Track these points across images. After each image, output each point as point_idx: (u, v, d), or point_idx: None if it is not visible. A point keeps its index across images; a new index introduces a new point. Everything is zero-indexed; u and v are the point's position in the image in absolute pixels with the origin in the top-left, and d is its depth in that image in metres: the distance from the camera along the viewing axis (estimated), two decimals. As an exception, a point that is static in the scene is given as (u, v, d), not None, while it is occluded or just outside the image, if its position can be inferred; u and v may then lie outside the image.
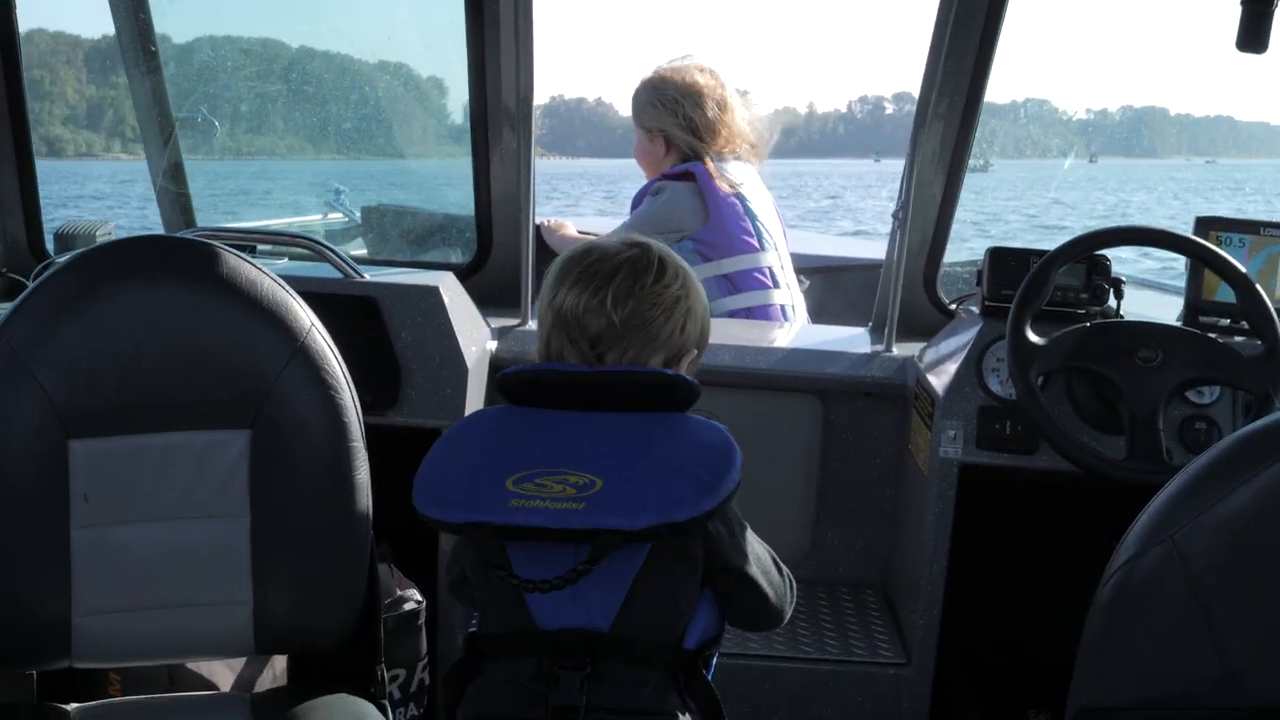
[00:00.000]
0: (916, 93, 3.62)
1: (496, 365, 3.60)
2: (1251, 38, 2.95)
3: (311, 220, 5.91)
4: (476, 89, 3.72)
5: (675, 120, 4.09)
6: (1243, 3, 2.92)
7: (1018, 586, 3.87)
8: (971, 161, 3.83)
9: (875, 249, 5.85)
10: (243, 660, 2.97)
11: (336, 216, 5.81)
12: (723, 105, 4.09)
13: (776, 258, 4.16)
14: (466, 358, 3.33)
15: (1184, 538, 1.50)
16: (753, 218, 4.10)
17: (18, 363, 2.25)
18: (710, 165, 4.05)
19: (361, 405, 2.47)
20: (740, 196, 4.07)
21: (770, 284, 4.11)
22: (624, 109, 3.29)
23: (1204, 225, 3.38)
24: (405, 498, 3.00)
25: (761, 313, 4.12)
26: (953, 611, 3.38)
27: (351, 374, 2.45)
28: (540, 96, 3.56)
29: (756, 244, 4.09)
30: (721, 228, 4.03)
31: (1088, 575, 3.46)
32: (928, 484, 3.34)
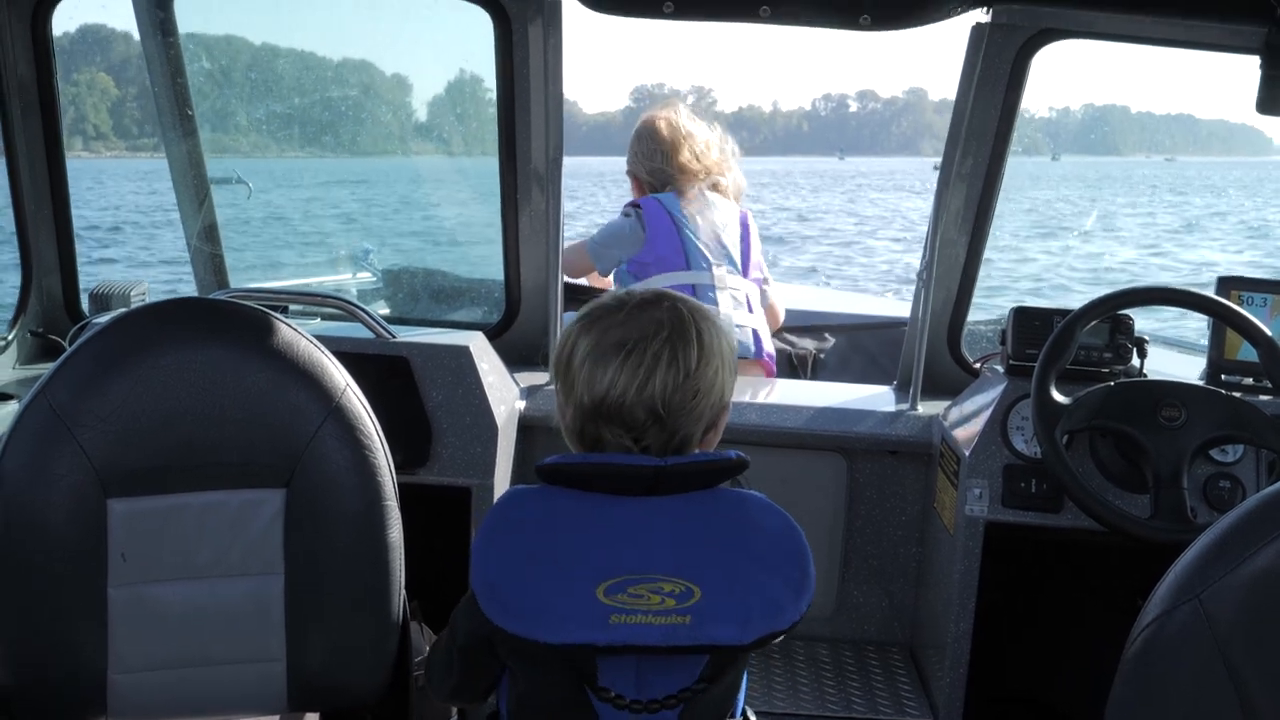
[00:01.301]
0: (880, 90, 3.66)
1: (525, 424, 3.64)
2: (1269, 102, 2.99)
3: (341, 279, 5.96)
4: (506, 151, 3.78)
5: (639, 162, 4.55)
6: (1262, 68, 2.97)
7: (1043, 644, 3.87)
8: (937, 160, 3.87)
9: (896, 307, 5.88)
10: (275, 718, 3.00)
11: (365, 276, 5.85)
12: (674, 148, 4.48)
13: (710, 277, 4.33)
14: (496, 417, 3.37)
15: (1210, 597, 1.51)
16: (687, 240, 4.33)
17: (59, 423, 2.29)
18: (663, 198, 4.43)
19: (393, 464, 2.50)
20: (679, 222, 4.35)
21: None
22: (587, 107, 3.48)
23: (1226, 285, 3.41)
24: (435, 555, 3.04)
25: None
26: (979, 669, 3.39)
27: (383, 433, 2.48)
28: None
29: (685, 263, 4.31)
30: (652, 250, 4.34)
31: (1113, 633, 3.45)
32: (953, 542, 3.35)
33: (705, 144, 4.53)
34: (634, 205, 4.47)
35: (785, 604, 1.91)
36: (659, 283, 4.24)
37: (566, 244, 4.07)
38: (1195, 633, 1.50)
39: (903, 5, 3.21)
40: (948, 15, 3.29)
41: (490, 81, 3.76)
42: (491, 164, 3.88)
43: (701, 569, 1.90)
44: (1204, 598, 1.52)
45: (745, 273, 4.44)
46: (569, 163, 3.70)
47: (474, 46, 3.77)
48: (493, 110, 3.78)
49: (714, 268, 4.33)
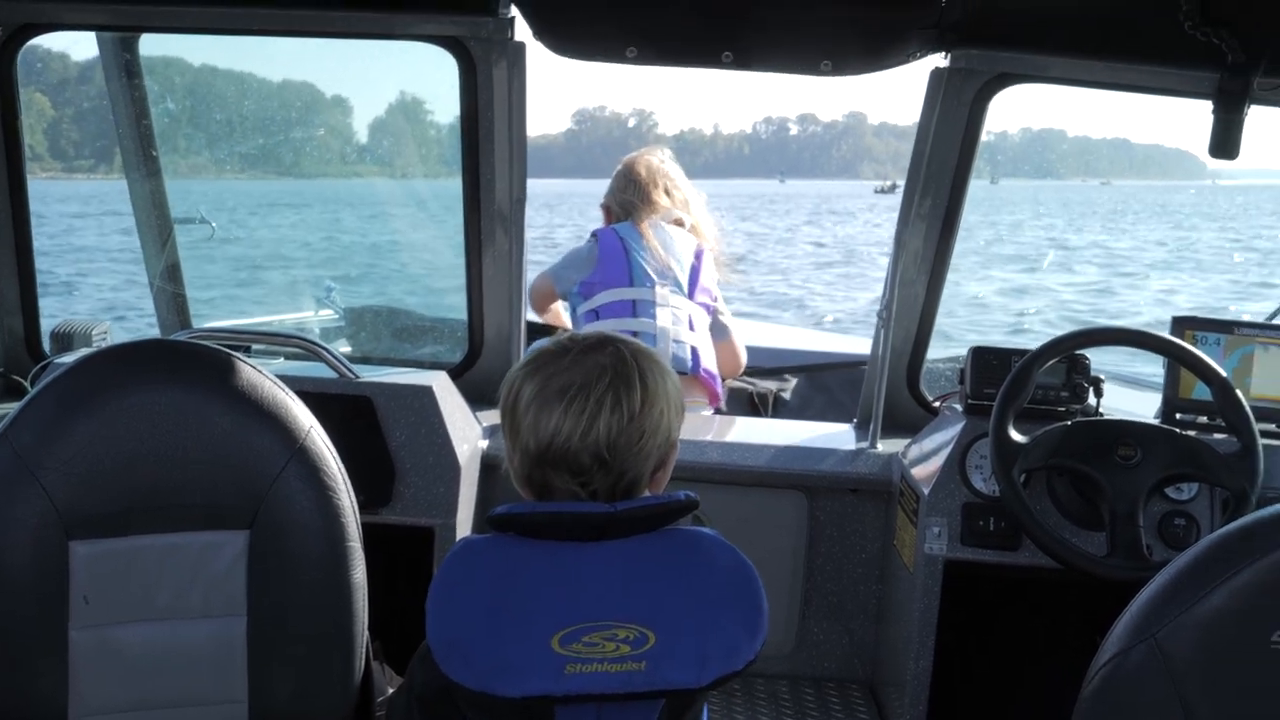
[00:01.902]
0: (820, 114, 3.74)
1: (487, 463, 3.65)
2: (1222, 146, 3.05)
3: (303, 317, 5.96)
4: (470, 192, 3.80)
5: (613, 195, 4.80)
6: (1214, 113, 3.03)
7: (1002, 681, 3.89)
8: (880, 183, 3.94)
9: (857, 345, 5.92)
10: (236, 760, 2.98)
11: (327, 313, 5.85)
12: (649, 184, 4.73)
13: (652, 294, 4.47)
14: (459, 456, 3.38)
15: (1166, 636, 1.53)
16: (634, 261, 4.52)
17: (21, 465, 2.28)
18: (619, 227, 4.67)
19: (356, 504, 2.50)
20: (628, 245, 4.56)
21: (629, 313, 4.46)
22: (529, 130, 3.61)
23: (1180, 325, 3.46)
24: (397, 595, 3.04)
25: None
26: (937, 706, 3.41)
27: (346, 472, 2.49)
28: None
29: (627, 280, 4.49)
30: (600, 271, 4.55)
31: (1070, 669, 3.49)
32: (913, 579, 3.37)
33: (677, 186, 4.79)
34: (593, 234, 4.68)
35: (740, 644, 1.92)
36: (603, 299, 4.48)
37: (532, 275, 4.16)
38: (1151, 671, 1.53)
39: (863, 52, 3.26)
40: (907, 60, 3.35)
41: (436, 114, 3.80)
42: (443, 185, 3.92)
43: (655, 613, 1.91)
44: (1160, 637, 1.54)
45: (691, 295, 4.55)
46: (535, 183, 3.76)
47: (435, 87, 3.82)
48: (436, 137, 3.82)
49: (657, 286, 4.48)
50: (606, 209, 4.86)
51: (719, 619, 1.93)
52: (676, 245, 4.60)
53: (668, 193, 4.73)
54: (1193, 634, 1.53)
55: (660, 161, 4.78)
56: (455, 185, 3.85)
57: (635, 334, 4.36)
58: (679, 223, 4.71)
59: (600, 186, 5.00)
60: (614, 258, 4.53)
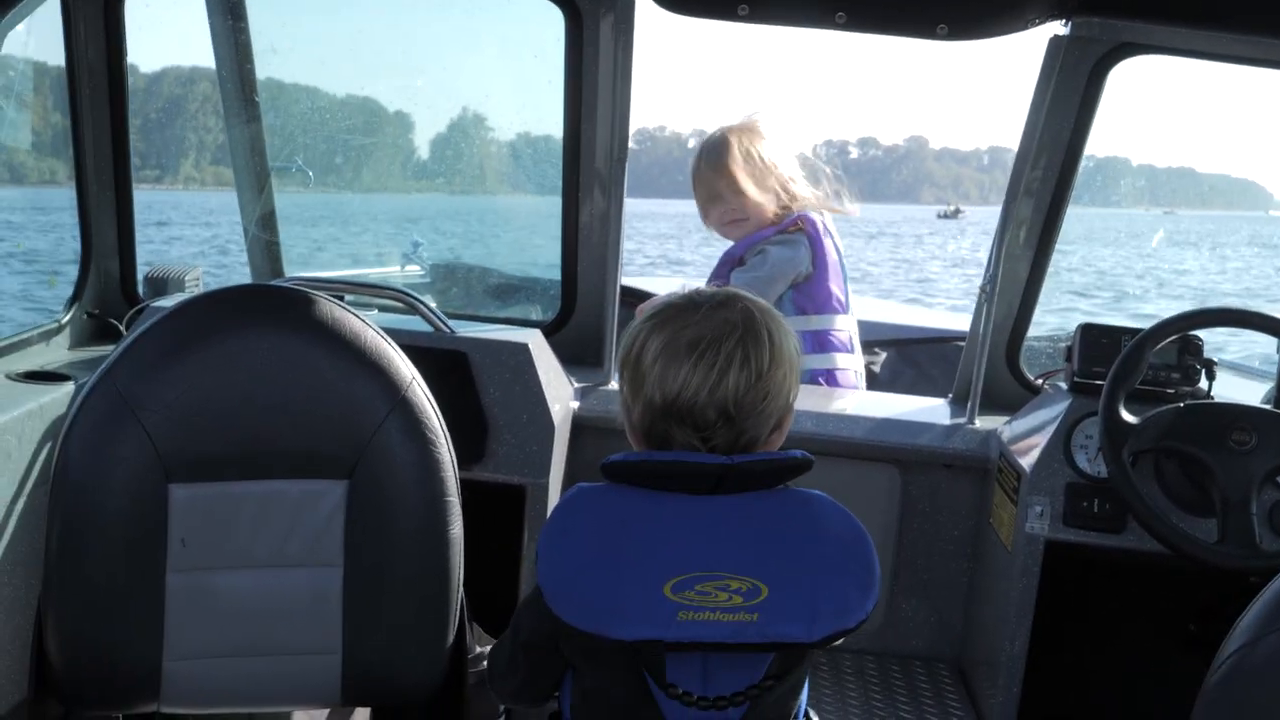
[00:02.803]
0: (881, 138, 3.61)
1: (579, 424, 3.61)
2: None
3: (389, 272, 5.97)
4: (570, 149, 3.76)
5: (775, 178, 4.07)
6: None
7: (1097, 666, 3.82)
8: (943, 208, 3.82)
9: (948, 320, 5.84)
10: (324, 712, 2.98)
11: (414, 269, 5.86)
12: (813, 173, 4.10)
13: (849, 322, 4.15)
14: (553, 415, 3.35)
15: None
16: (845, 280, 4.10)
17: (124, 406, 2.28)
18: (823, 218, 4.06)
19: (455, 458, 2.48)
20: (840, 256, 4.09)
21: (848, 348, 4.12)
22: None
23: None
24: (487, 553, 3.02)
25: (832, 377, 4.09)
26: (1031, 689, 3.34)
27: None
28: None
29: (843, 307, 4.10)
30: (822, 284, 4.03)
31: (1160, 661, 3.41)
32: (1011, 559, 3.30)
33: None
34: (796, 225, 4.07)
35: (852, 603, 1.90)
36: (825, 324, 4.06)
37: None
38: None
39: (981, 15, 3.17)
40: (1026, 26, 3.25)
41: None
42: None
43: (769, 567, 1.90)
44: None
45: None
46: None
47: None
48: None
49: (851, 315, 4.13)
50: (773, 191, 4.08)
51: (832, 576, 1.91)
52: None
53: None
54: None
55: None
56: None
57: (854, 383, 4.15)
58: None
59: (660, 206, 4.66)
60: (833, 271, 4.05)
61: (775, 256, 3.98)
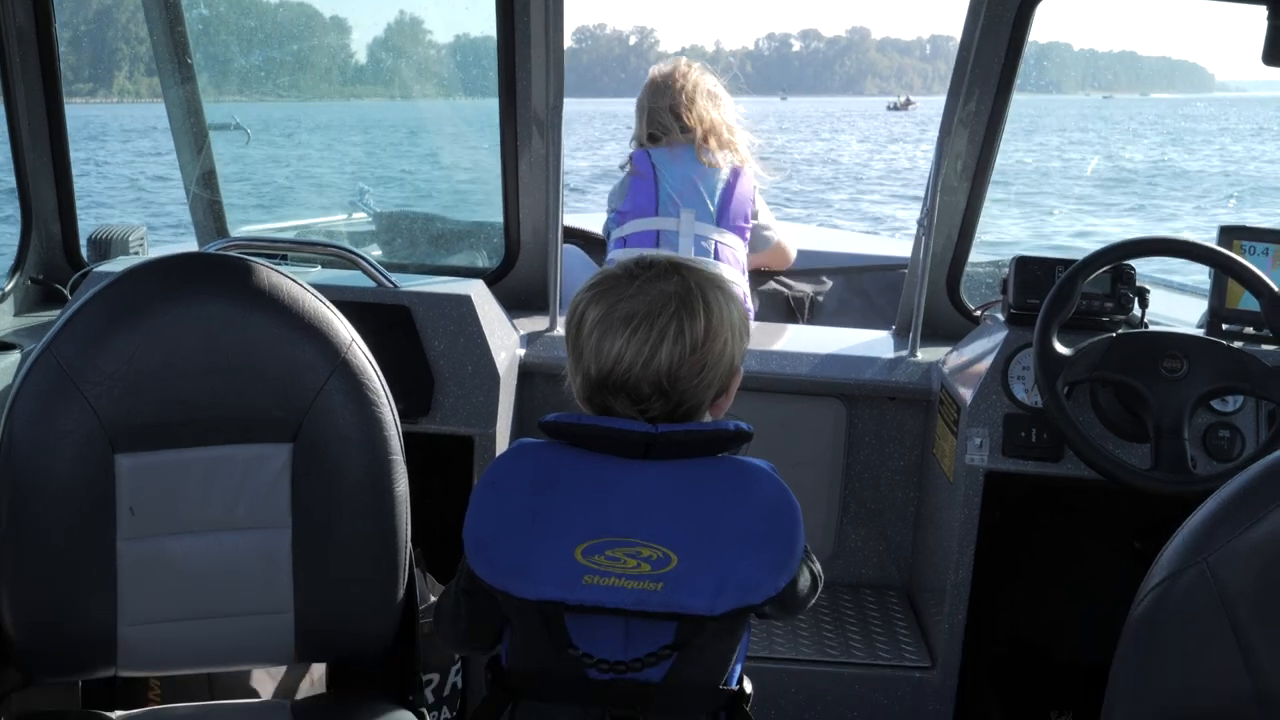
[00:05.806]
0: (823, 29, 3.63)
1: (525, 371, 3.64)
2: (1277, 53, 2.98)
3: (336, 220, 5.95)
4: (506, 95, 3.76)
5: (640, 116, 4.54)
6: (1269, 19, 2.95)
7: (1040, 590, 3.90)
8: (893, 99, 3.84)
9: (896, 247, 5.85)
10: (283, 669, 3.02)
11: (360, 216, 5.84)
12: (676, 103, 4.46)
13: (675, 223, 4.33)
14: (498, 365, 3.37)
15: (1218, 561, 1.51)
16: (661, 190, 4.35)
17: (66, 378, 2.29)
18: (652, 151, 4.42)
19: (398, 416, 2.51)
20: (658, 172, 4.37)
21: (653, 244, 4.34)
22: None
23: (1228, 234, 3.41)
24: (437, 503, 3.05)
25: None
26: (976, 615, 3.42)
27: (386, 382, 2.49)
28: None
29: (654, 209, 4.35)
30: (631, 200, 4.39)
31: (1108, 580, 3.49)
32: (953, 489, 3.37)
33: (713, 99, 4.51)
34: (629, 157, 4.50)
35: (763, 580, 1.92)
36: (630, 229, 4.34)
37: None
38: (1202, 596, 1.51)
39: None
40: None
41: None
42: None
43: (683, 537, 1.92)
44: (1211, 561, 1.52)
45: (721, 221, 4.37)
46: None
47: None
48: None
49: (682, 214, 4.33)
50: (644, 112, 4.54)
51: (745, 551, 1.93)
52: (707, 168, 4.39)
53: (700, 108, 4.44)
54: (1245, 559, 1.51)
55: (689, 72, 4.50)
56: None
57: None
58: (713, 142, 4.45)
59: (602, 105, 4.80)
60: (643, 185, 4.37)
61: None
